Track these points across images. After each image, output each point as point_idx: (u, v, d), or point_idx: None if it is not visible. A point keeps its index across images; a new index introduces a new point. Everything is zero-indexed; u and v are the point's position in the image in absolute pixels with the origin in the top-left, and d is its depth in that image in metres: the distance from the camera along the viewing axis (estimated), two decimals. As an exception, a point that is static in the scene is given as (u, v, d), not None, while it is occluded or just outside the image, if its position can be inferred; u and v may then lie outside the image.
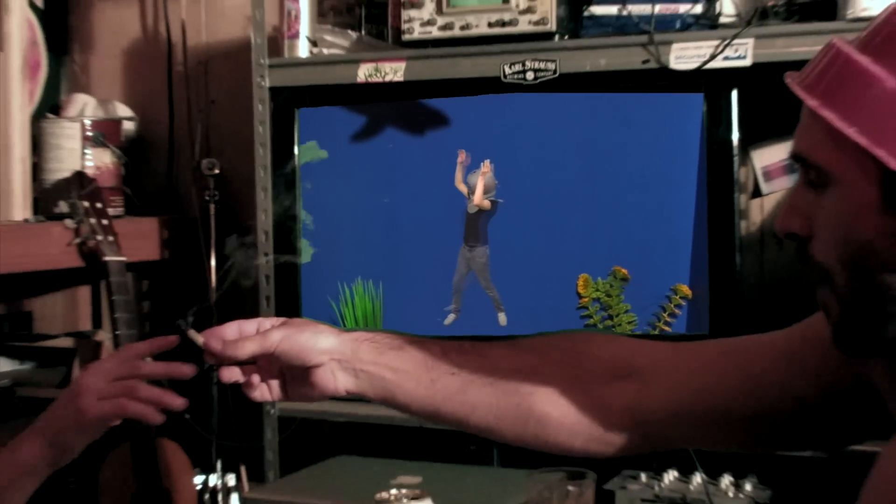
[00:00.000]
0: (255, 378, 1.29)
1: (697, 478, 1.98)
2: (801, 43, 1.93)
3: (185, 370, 1.31)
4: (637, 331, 2.16)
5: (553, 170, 2.23)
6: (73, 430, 1.32)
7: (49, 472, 1.37)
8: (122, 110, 2.81)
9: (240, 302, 2.67)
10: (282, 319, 1.34)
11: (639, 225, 2.22)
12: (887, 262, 1.01)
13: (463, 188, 2.29)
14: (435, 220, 2.35)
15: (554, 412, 1.22)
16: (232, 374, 1.27)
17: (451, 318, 2.35)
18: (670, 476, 2.00)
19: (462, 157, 2.29)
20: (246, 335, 1.29)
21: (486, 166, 2.27)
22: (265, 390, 1.30)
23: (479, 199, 2.25)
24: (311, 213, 2.42)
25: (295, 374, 1.29)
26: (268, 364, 1.28)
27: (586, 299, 2.21)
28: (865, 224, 0.93)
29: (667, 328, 2.14)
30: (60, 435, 1.33)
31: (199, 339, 1.25)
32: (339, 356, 1.28)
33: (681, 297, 2.17)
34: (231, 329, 1.29)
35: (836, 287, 1.07)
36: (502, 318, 2.29)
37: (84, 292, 2.86)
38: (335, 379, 1.28)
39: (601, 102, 2.20)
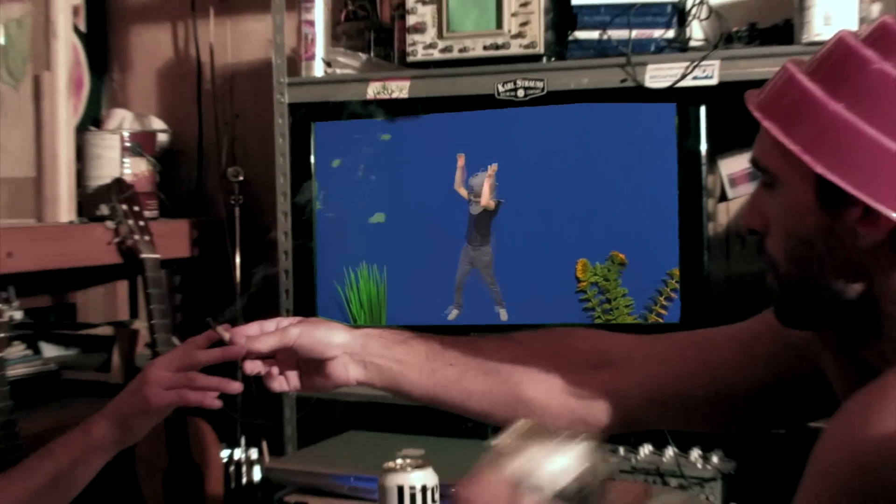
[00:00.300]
0: (275, 370, 1.32)
1: (669, 451, 1.97)
2: (762, 64, 1.92)
3: (236, 352, 1.31)
4: (634, 314, 2.14)
5: (548, 171, 2.19)
6: (139, 416, 1.33)
7: (116, 451, 1.38)
8: (157, 123, 2.79)
9: (262, 296, 2.65)
10: (298, 318, 1.36)
11: (633, 214, 2.18)
12: (822, 256, 1.05)
13: (463, 192, 2.26)
14: (436, 217, 2.31)
15: (540, 397, 1.24)
16: (255, 367, 1.29)
17: (454, 313, 2.32)
18: (645, 450, 1.99)
19: (461, 161, 2.27)
20: (266, 332, 1.31)
21: (493, 169, 2.25)
22: (283, 381, 1.32)
23: (486, 199, 2.23)
24: (324, 211, 2.38)
25: (310, 366, 1.31)
26: (286, 357, 1.30)
27: (585, 283, 2.17)
28: (805, 221, 0.98)
29: (663, 311, 2.10)
30: (129, 419, 1.34)
31: (226, 335, 1.27)
32: (351, 350, 1.30)
33: (676, 282, 2.13)
34: (253, 328, 1.31)
35: (779, 274, 1.12)
36: (503, 313, 2.26)
37: (122, 286, 2.84)
38: (347, 370, 1.30)
39: (588, 112, 2.15)
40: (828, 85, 0.99)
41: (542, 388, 1.24)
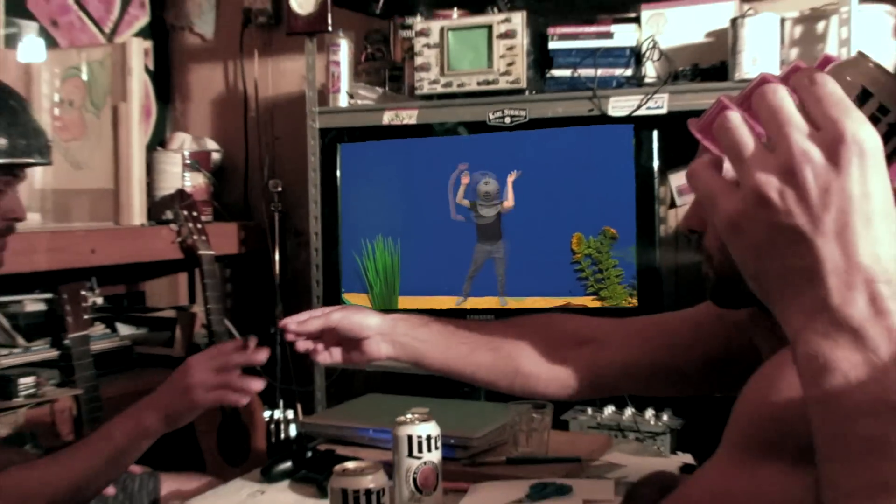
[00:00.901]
0: (321, 346, 1.35)
1: (628, 411, 1.99)
2: (703, 97, 1.93)
3: (261, 358, 1.37)
4: (623, 283, 2.10)
5: (530, 182, 2.18)
6: (186, 411, 1.35)
7: (159, 436, 1.38)
8: (211, 144, 2.82)
9: (297, 283, 2.70)
10: (340, 306, 1.41)
11: (599, 219, 2.13)
12: None
13: (465, 202, 2.24)
14: (437, 217, 2.27)
15: (534, 370, 1.26)
16: (306, 345, 1.33)
17: (463, 302, 2.28)
18: (608, 410, 2.01)
19: (465, 179, 2.24)
20: (314, 317, 1.34)
21: (512, 177, 2.21)
22: (327, 356, 1.35)
23: (510, 201, 2.20)
24: (346, 216, 2.37)
25: (349, 344, 1.34)
26: (330, 337, 1.34)
27: (579, 255, 2.13)
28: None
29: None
30: (175, 414, 1.34)
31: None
32: (382, 331, 1.32)
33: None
34: (303, 315, 1.35)
35: (713, 264, 1.17)
36: (506, 300, 2.23)
37: (183, 277, 2.84)
38: (379, 348, 1.33)
39: (562, 135, 2.13)
40: (749, 114, 1.04)
41: (536, 362, 1.26)
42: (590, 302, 2.13)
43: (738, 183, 0.50)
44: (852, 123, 0.46)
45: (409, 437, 1.26)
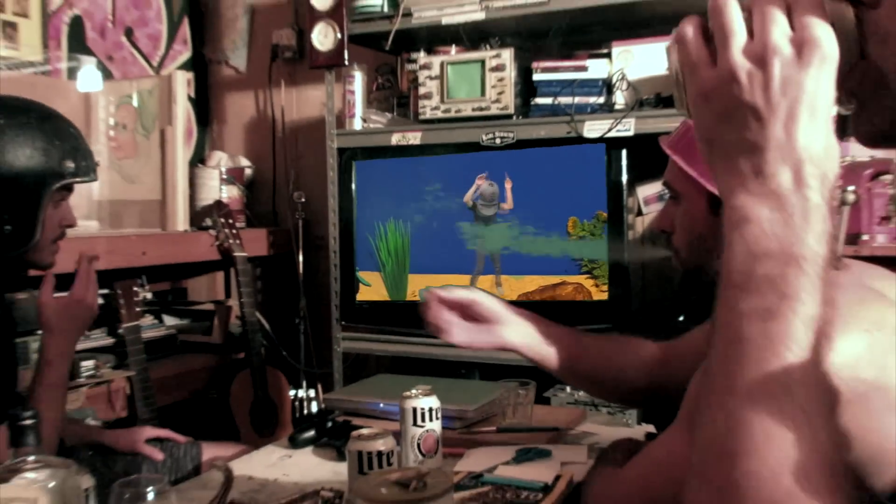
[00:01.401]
0: (456, 320, 1.24)
1: None
2: (664, 122, 1.93)
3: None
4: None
5: (525, 187, 2.16)
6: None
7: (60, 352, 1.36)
8: (244, 161, 2.83)
9: (318, 281, 2.69)
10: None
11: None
12: (711, 247, 1.10)
13: (469, 202, 2.21)
14: (437, 214, 2.25)
15: (629, 377, 1.22)
16: (439, 315, 1.21)
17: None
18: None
19: (481, 181, 2.19)
20: (456, 290, 1.24)
21: (509, 183, 2.18)
22: (461, 334, 1.24)
23: (510, 203, 2.18)
24: (361, 220, 2.35)
25: (480, 328, 1.24)
26: (463, 317, 1.23)
27: (574, 237, 2.11)
28: (700, 223, 1.03)
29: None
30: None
31: (429, 292, 1.18)
32: (520, 322, 1.24)
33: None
34: (441, 290, 1.24)
35: (681, 260, 1.16)
36: (502, 285, 2.19)
37: (220, 275, 2.84)
38: (511, 336, 1.24)
39: (544, 153, 2.13)
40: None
41: (630, 371, 1.22)
42: (584, 280, 2.09)
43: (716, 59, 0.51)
44: (822, 31, 0.47)
45: (414, 409, 1.27)
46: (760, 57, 0.48)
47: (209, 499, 1.14)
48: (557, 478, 1.21)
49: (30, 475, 0.84)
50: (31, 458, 0.85)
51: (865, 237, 1.69)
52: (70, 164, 1.38)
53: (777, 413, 0.42)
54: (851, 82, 0.49)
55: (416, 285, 2.31)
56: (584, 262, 2.09)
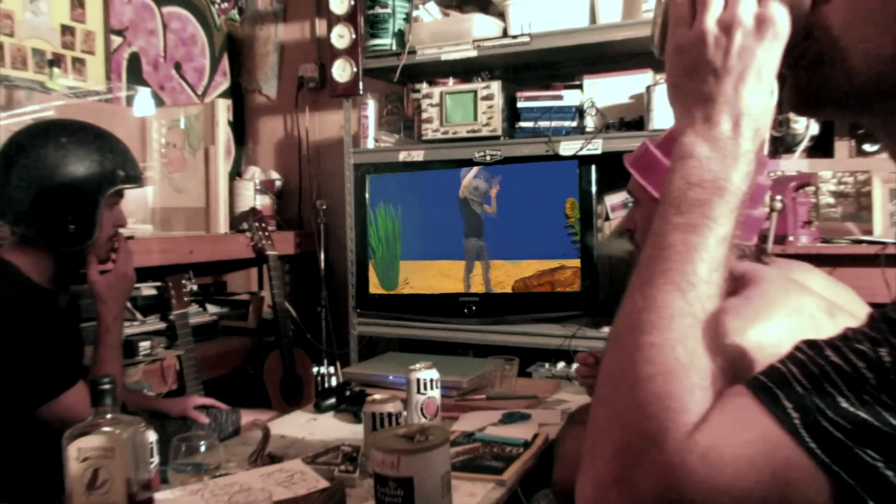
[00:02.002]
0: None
1: (574, 365, 1.76)
2: (627, 142, 1.92)
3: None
4: None
5: (504, 199, 2.15)
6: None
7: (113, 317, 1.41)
8: (274, 175, 2.81)
9: (336, 276, 2.66)
10: None
11: (553, 228, 2.06)
12: None
13: (464, 193, 2.17)
14: (436, 214, 2.21)
15: None
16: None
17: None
18: (560, 364, 1.95)
19: (472, 174, 2.15)
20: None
21: (495, 189, 2.15)
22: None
23: (493, 209, 2.15)
24: (374, 221, 2.33)
25: None
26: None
27: (573, 219, 2.07)
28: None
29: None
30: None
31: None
32: None
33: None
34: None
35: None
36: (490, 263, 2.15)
37: (254, 271, 2.82)
38: None
39: (527, 167, 2.10)
40: (663, 150, 1.04)
41: None
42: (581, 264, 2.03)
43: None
44: (779, 12, 0.50)
45: (418, 380, 1.30)
46: (727, 26, 0.50)
47: (249, 452, 1.18)
48: (535, 436, 1.26)
49: (107, 429, 0.88)
50: (109, 415, 0.89)
51: (791, 238, 1.69)
52: (121, 173, 1.39)
53: (682, 302, 0.44)
54: (793, 56, 0.50)
55: (407, 272, 2.26)
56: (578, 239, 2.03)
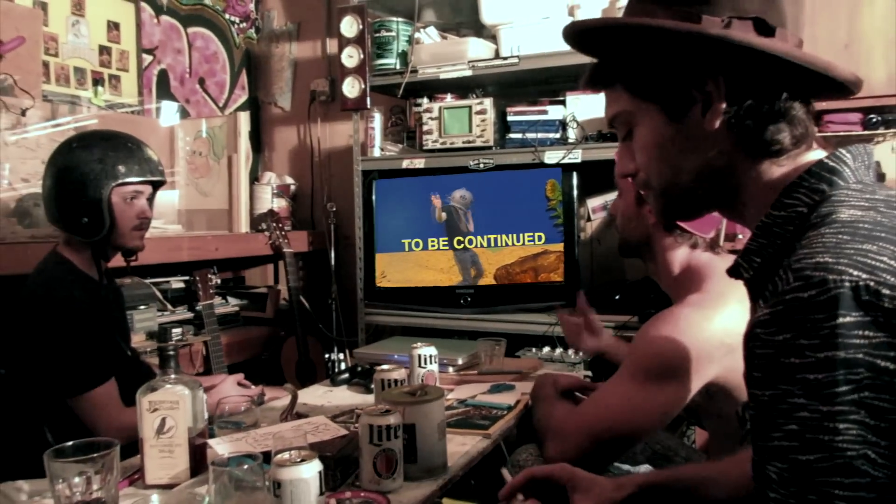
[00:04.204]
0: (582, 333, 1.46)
1: (558, 349, 1.89)
2: (605, 152, 1.97)
3: None
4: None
5: (498, 202, 2.16)
6: None
7: None
8: (289, 180, 2.85)
9: (345, 272, 2.70)
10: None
11: (540, 228, 2.07)
12: (634, 225, 1.16)
13: (443, 216, 2.20)
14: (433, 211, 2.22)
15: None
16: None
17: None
18: (545, 349, 1.92)
19: (437, 202, 2.20)
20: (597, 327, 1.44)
21: (469, 211, 2.17)
22: (587, 342, 1.47)
23: (471, 226, 2.15)
24: (379, 220, 2.36)
25: (590, 339, 1.47)
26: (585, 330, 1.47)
27: (554, 202, 2.07)
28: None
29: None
30: None
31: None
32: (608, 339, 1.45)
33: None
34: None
35: (619, 233, 1.20)
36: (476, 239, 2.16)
37: (271, 267, 2.86)
38: (601, 342, 1.43)
39: (516, 174, 2.13)
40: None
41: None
42: (564, 248, 2.03)
43: None
44: None
45: (419, 355, 1.40)
46: None
47: (278, 415, 1.34)
48: (518, 402, 1.38)
49: (172, 386, 1.06)
50: (173, 376, 1.07)
51: (741, 236, 1.79)
52: (121, 168, 1.41)
53: None
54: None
55: (384, 265, 2.27)
56: (561, 220, 2.02)
